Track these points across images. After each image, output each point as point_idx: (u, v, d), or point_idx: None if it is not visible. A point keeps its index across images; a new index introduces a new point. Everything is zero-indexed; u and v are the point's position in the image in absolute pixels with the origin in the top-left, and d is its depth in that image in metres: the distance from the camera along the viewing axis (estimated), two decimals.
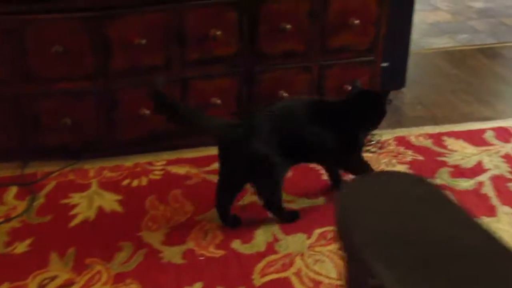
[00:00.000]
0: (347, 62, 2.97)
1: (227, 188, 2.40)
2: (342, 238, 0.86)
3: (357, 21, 2.87)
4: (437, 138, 3.09)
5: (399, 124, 3.22)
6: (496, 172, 2.83)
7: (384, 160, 2.90)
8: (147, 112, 2.79)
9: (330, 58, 2.94)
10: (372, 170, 2.58)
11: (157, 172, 2.79)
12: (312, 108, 2.35)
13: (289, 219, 2.47)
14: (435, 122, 3.26)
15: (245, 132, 2.25)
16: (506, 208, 2.60)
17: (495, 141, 3.08)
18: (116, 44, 2.66)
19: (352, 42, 2.92)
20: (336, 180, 2.65)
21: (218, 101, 2.87)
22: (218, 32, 2.74)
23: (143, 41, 2.66)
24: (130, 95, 2.77)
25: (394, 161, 2.90)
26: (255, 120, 2.28)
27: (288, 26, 2.81)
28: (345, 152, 2.44)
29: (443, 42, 4.33)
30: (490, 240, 0.83)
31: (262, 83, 2.90)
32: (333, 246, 2.36)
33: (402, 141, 3.06)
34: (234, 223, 2.45)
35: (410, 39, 3.54)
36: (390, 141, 3.04)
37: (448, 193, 0.94)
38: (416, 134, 3.12)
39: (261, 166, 2.28)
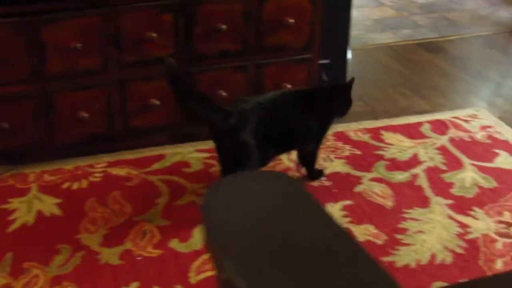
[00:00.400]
0: (284, 60, 3.02)
1: (226, 172, 2.52)
2: (204, 236, 0.90)
3: (292, 20, 2.92)
4: (375, 133, 3.16)
5: (339, 120, 3.27)
6: (430, 164, 2.91)
7: (322, 156, 2.95)
8: (86, 115, 2.81)
9: (266, 57, 2.98)
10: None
11: (97, 175, 2.81)
12: (293, 99, 2.59)
13: (316, 175, 2.74)
14: (375, 116, 3.33)
15: (237, 121, 2.41)
16: (439, 199, 2.67)
17: (431, 134, 3.16)
18: (51, 48, 2.67)
19: (288, 40, 2.97)
20: (310, 171, 2.79)
21: (157, 102, 2.90)
22: (154, 34, 2.77)
23: (79, 45, 2.67)
24: (68, 98, 2.78)
25: (332, 156, 2.96)
26: (246, 110, 2.45)
27: (224, 27, 2.85)
28: (315, 139, 2.69)
29: (386, 38, 4.41)
30: (340, 236, 0.87)
31: (200, 83, 2.93)
32: None
33: (341, 136, 3.12)
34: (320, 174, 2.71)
35: (349, 36, 3.59)
36: (328, 137, 3.09)
37: (308, 190, 0.99)
38: (355, 129, 3.18)
39: (243, 156, 2.45)
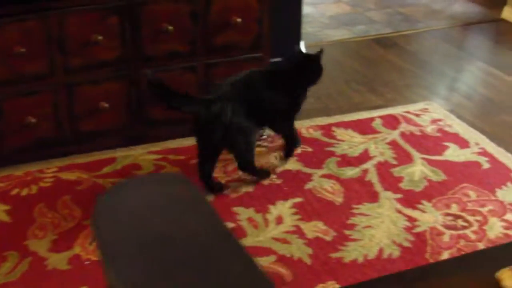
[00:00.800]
0: (233, 60, 3.02)
1: (207, 159, 2.68)
2: (95, 242, 0.90)
3: (239, 19, 2.92)
4: (327, 129, 3.18)
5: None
6: (381, 159, 2.94)
7: (274, 154, 2.96)
8: (34, 120, 2.78)
9: (215, 57, 2.98)
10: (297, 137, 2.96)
11: (47, 180, 2.79)
12: (265, 76, 2.75)
13: (263, 175, 2.77)
14: (327, 113, 3.35)
15: (220, 106, 2.54)
16: (388, 193, 2.70)
17: (382, 129, 3.18)
18: None
19: (236, 40, 2.98)
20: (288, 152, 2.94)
21: (106, 105, 2.88)
22: (100, 37, 2.75)
23: (23, 50, 2.65)
24: (15, 104, 2.75)
25: (283, 154, 2.97)
26: (224, 94, 2.59)
27: (171, 28, 2.84)
28: (291, 111, 2.84)
29: (341, 34, 4.44)
30: (224, 237, 0.88)
31: None
32: None
33: None
34: (219, 189, 2.71)
35: (300, 33, 3.61)
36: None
37: (201, 192, 0.99)
38: (307, 126, 3.20)
39: (238, 133, 2.60)
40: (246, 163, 2.72)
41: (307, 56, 2.89)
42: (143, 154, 2.97)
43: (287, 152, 2.93)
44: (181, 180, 1.01)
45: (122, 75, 2.88)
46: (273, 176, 2.80)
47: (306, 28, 4.52)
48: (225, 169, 2.86)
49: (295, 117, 2.89)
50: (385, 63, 3.98)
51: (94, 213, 0.89)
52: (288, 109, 2.83)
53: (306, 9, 4.87)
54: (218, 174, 2.82)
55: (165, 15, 2.84)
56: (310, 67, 2.85)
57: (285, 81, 2.78)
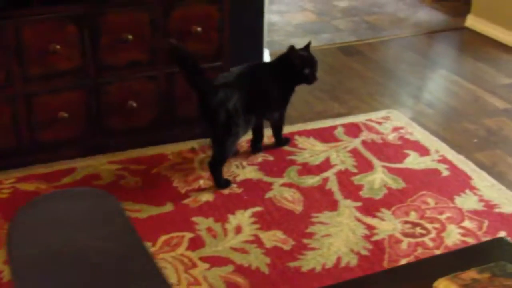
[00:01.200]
0: None
1: (215, 138, 2.77)
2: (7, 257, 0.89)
3: (199, 29, 2.92)
4: (289, 137, 3.18)
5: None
6: (341, 167, 2.95)
7: (235, 163, 2.96)
8: None
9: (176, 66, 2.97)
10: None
11: (5, 191, 2.76)
12: (269, 69, 2.96)
13: (223, 184, 2.78)
14: (290, 122, 3.35)
15: (225, 94, 2.68)
16: (347, 202, 2.71)
17: (344, 137, 3.20)
18: None
19: (197, 49, 2.96)
20: (279, 138, 3.10)
21: (66, 115, 2.86)
22: (58, 46, 2.74)
23: None
24: None
25: (244, 163, 2.97)
26: (231, 83, 2.74)
27: (130, 37, 2.83)
28: (287, 100, 3.03)
29: (306, 42, 4.43)
30: (137, 251, 0.87)
31: (110, 94, 2.91)
32: (177, 253, 2.40)
33: None
34: (226, 184, 2.80)
35: (263, 42, 3.62)
36: (242, 144, 3.10)
37: (119, 205, 0.99)
38: (270, 135, 3.19)
39: (232, 124, 2.70)
40: (220, 160, 2.79)
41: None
42: (103, 164, 2.95)
43: (280, 141, 3.10)
44: (99, 194, 1.00)
45: (82, 85, 2.87)
46: (233, 185, 2.80)
47: (272, 36, 4.54)
48: (185, 178, 2.85)
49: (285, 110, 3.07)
50: (349, 71, 4.01)
51: (9, 228, 0.88)
52: (286, 97, 3.01)
53: (273, 18, 4.89)
54: (178, 183, 2.81)
55: (125, 24, 2.83)
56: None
57: (288, 74, 2.94)
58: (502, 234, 2.54)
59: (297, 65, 2.94)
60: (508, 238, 2.42)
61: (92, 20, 2.78)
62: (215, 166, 2.78)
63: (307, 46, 3.06)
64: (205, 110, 2.72)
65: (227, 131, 2.72)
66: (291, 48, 2.95)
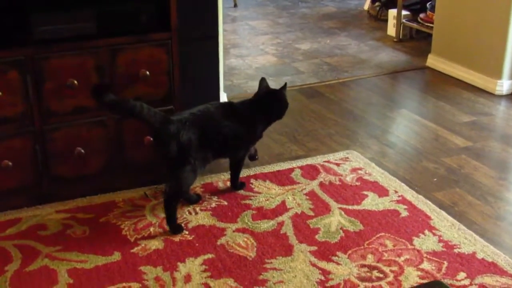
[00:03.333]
0: None
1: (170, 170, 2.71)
2: None
3: (147, 72, 2.85)
4: (245, 181, 3.09)
5: (209, 171, 3.20)
6: (297, 210, 2.86)
7: (187, 208, 2.87)
8: None
9: None
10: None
11: None
12: (226, 109, 2.84)
13: (175, 228, 2.70)
14: (247, 165, 3.27)
15: (177, 127, 2.62)
16: (303, 246, 2.62)
17: (301, 179, 3.12)
18: None
19: (145, 93, 2.90)
20: (235, 181, 3.03)
21: (10, 164, 2.76)
22: (0, 93, 2.65)
23: None
24: None
25: (197, 208, 2.88)
26: (183, 118, 2.68)
27: (76, 82, 2.75)
28: (250, 141, 2.96)
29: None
30: None
31: (56, 141, 2.82)
32: None
33: (209, 187, 3.05)
34: (196, 200, 2.91)
35: (219, 85, 3.56)
36: (196, 189, 3.02)
37: None
38: (225, 179, 3.12)
39: (185, 158, 2.64)
40: (176, 194, 2.71)
41: (271, 91, 3.01)
42: (50, 214, 2.84)
43: (236, 185, 3.02)
44: None
45: (26, 132, 2.77)
46: (185, 232, 2.70)
47: (232, 80, 4.50)
48: (135, 226, 2.74)
49: (246, 153, 3.00)
50: (309, 113, 3.95)
51: None
52: (248, 139, 2.92)
53: (233, 62, 4.86)
54: (127, 231, 2.70)
55: (70, 69, 2.75)
56: (274, 102, 2.97)
57: (246, 114, 2.87)
58: (461, 275, 2.45)
59: (285, 101, 2.98)
60: (446, 282, 2.34)
61: (35, 65, 2.70)
62: (170, 202, 2.69)
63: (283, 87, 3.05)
64: (157, 142, 2.71)
65: (181, 163, 2.65)
66: (285, 85, 3.05)
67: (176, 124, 2.63)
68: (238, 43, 5.37)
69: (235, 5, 6.56)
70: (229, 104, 2.92)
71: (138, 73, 2.85)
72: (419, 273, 2.47)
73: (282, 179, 3.13)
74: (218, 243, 2.63)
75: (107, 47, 2.79)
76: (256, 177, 3.14)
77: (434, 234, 2.70)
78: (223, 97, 3.91)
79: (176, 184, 2.69)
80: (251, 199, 2.95)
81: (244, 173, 3.17)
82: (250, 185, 3.07)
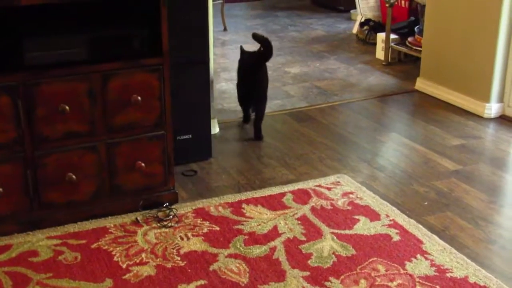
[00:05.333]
0: (136, 138, 2.94)
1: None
2: None
3: (139, 98, 2.86)
4: (237, 207, 3.09)
5: (201, 195, 3.21)
6: (290, 235, 2.86)
7: (179, 234, 2.86)
8: None
9: (116, 136, 2.89)
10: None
11: None
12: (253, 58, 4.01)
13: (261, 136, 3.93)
14: (238, 190, 3.27)
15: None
16: (295, 271, 2.61)
17: (293, 204, 3.12)
18: None
19: (137, 118, 2.90)
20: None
21: (0, 189, 2.74)
22: None
23: None
24: None
25: (189, 234, 2.87)
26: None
27: (67, 108, 2.75)
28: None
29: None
30: None
31: (47, 166, 2.81)
32: None
33: (201, 213, 3.04)
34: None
35: (210, 110, 3.57)
36: (188, 214, 3.01)
37: None
38: (216, 204, 3.11)
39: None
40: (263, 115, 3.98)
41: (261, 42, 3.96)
42: (41, 240, 2.82)
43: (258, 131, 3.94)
44: None
45: (17, 158, 2.76)
46: (177, 258, 2.69)
47: (223, 104, 4.51)
48: (127, 252, 2.73)
49: None
50: (299, 137, 3.96)
51: None
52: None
53: (224, 86, 4.88)
54: (119, 258, 2.69)
55: (61, 94, 2.75)
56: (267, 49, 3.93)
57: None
58: None
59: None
60: None
61: (27, 91, 2.70)
62: (260, 122, 3.88)
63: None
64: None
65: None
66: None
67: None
68: (228, 67, 5.39)
69: (225, 29, 6.59)
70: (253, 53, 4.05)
71: (129, 98, 2.85)
72: None
73: (274, 203, 3.13)
74: (211, 269, 2.62)
75: (99, 73, 2.79)
76: (247, 201, 3.14)
77: (426, 259, 2.70)
78: (214, 122, 3.92)
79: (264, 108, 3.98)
80: (243, 224, 2.95)
81: (235, 197, 3.17)
82: (242, 209, 3.07)
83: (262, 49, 3.92)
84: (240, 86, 4.03)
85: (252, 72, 3.90)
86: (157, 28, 2.86)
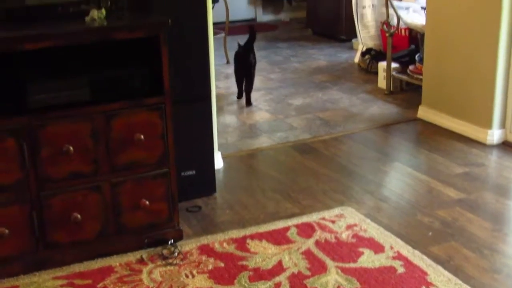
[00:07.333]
0: (140, 177, 2.96)
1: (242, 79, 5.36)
2: None
3: (142, 137, 2.89)
4: (241, 242, 3.11)
5: (205, 231, 3.22)
6: (294, 270, 2.87)
7: (184, 272, 2.87)
8: None
9: (120, 175, 2.92)
10: None
11: None
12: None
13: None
14: (242, 225, 3.29)
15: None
16: None
17: (297, 238, 3.13)
18: None
19: (140, 157, 2.93)
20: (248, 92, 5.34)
21: (6, 231, 2.77)
22: None
23: None
24: None
25: (194, 271, 2.88)
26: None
27: (71, 148, 2.79)
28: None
29: (260, 142, 4.45)
30: None
31: (52, 207, 2.84)
32: None
33: (206, 249, 3.05)
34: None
35: (213, 146, 3.60)
36: (193, 251, 3.02)
37: None
38: (221, 240, 3.12)
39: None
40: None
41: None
42: (47, 280, 2.83)
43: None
44: None
45: (22, 199, 2.79)
46: None
47: (226, 138, 4.54)
48: None
49: None
50: (303, 169, 3.98)
51: None
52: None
53: (227, 119, 4.92)
54: None
55: (65, 135, 2.79)
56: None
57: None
58: None
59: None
60: None
61: (31, 133, 2.74)
62: (250, 92, 5.27)
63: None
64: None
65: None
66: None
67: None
68: (232, 100, 5.43)
69: (228, 62, 6.65)
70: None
71: (132, 137, 2.89)
72: None
73: (278, 238, 3.14)
74: None
75: (102, 113, 2.83)
76: (252, 237, 3.15)
77: None
78: (218, 156, 3.95)
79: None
80: (247, 260, 2.95)
81: (240, 233, 3.19)
82: (247, 245, 3.08)
83: (249, 35, 5.30)
84: (236, 69, 5.37)
85: (244, 55, 5.25)
86: (158, 66, 2.90)
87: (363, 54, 6.36)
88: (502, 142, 4.32)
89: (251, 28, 5.41)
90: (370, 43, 6.42)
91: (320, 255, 2.98)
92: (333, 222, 3.27)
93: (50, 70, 2.89)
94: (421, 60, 5.16)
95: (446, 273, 2.83)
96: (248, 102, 5.28)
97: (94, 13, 2.90)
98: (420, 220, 3.33)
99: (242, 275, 2.84)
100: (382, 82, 5.63)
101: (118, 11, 3.04)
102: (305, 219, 3.32)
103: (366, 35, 6.45)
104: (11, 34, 2.70)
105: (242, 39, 5.50)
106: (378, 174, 3.92)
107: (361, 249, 3.02)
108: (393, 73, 5.51)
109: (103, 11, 2.93)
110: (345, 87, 5.74)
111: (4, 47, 2.65)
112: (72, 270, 2.90)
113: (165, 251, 3.00)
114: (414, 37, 5.76)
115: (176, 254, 2.98)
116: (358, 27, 6.48)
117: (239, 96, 5.40)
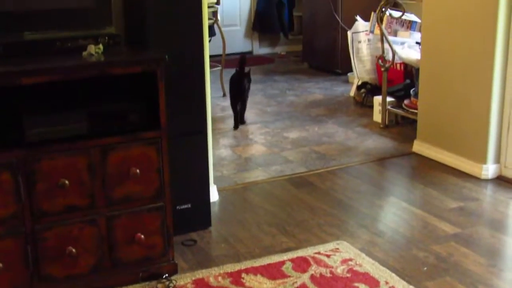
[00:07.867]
0: (135, 210, 2.97)
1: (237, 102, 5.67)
2: None
3: (138, 170, 2.90)
4: (236, 276, 3.10)
5: (200, 265, 3.22)
6: None
7: None
8: None
9: (115, 209, 2.93)
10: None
11: None
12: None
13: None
14: (238, 259, 3.28)
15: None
16: None
17: (292, 273, 3.13)
18: None
19: (136, 190, 2.94)
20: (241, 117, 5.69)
21: (0, 265, 2.76)
22: None
23: None
24: None
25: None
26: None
27: (67, 182, 2.79)
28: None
29: (255, 176, 4.46)
30: None
31: (47, 241, 2.84)
32: None
33: (201, 283, 3.05)
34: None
35: (208, 179, 3.61)
36: (188, 285, 3.02)
37: None
38: (216, 274, 3.12)
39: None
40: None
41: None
42: None
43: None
44: None
45: (17, 232, 2.79)
46: None
47: (222, 171, 4.55)
48: None
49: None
50: (298, 203, 3.99)
51: None
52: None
53: (223, 152, 4.93)
54: None
55: (61, 169, 2.80)
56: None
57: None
58: None
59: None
60: None
61: (27, 167, 2.74)
62: (243, 113, 5.71)
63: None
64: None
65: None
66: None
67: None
68: (227, 133, 5.46)
69: (224, 95, 6.69)
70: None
71: (128, 171, 2.90)
72: None
73: (273, 272, 3.13)
74: None
75: (98, 147, 2.85)
76: (247, 271, 3.15)
77: None
78: (213, 189, 3.95)
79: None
80: None
81: (235, 267, 3.18)
82: (242, 279, 3.07)
83: (239, 60, 5.66)
84: (231, 94, 5.65)
85: (238, 79, 5.59)
86: (155, 101, 2.93)
87: (358, 88, 6.40)
88: (497, 176, 4.34)
89: (241, 54, 5.85)
90: (366, 77, 6.47)
91: None
92: (328, 256, 3.28)
93: (47, 104, 2.91)
94: (416, 95, 5.20)
95: None
96: (241, 121, 5.66)
97: (92, 48, 2.92)
98: (415, 255, 3.33)
99: None
100: (377, 116, 5.67)
101: (115, 46, 3.07)
102: (300, 253, 3.32)
103: (361, 69, 6.50)
104: (8, 68, 2.72)
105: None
106: (373, 208, 3.93)
107: (356, 284, 3.02)
108: (389, 107, 5.55)
109: (101, 46, 2.96)
110: (341, 121, 5.78)
111: (1, 81, 2.67)
112: None
113: (160, 285, 3.00)
114: (409, 72, 5.81)
115: (172, 285, 2.97)
116: (354, 61, 6.54)
117: (236, 127, 5.58)
